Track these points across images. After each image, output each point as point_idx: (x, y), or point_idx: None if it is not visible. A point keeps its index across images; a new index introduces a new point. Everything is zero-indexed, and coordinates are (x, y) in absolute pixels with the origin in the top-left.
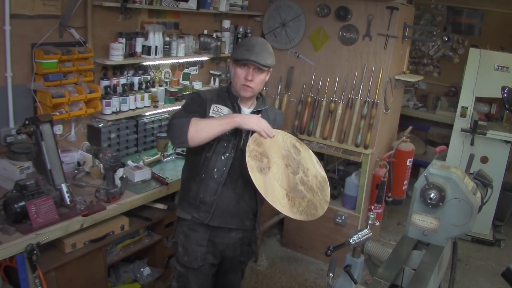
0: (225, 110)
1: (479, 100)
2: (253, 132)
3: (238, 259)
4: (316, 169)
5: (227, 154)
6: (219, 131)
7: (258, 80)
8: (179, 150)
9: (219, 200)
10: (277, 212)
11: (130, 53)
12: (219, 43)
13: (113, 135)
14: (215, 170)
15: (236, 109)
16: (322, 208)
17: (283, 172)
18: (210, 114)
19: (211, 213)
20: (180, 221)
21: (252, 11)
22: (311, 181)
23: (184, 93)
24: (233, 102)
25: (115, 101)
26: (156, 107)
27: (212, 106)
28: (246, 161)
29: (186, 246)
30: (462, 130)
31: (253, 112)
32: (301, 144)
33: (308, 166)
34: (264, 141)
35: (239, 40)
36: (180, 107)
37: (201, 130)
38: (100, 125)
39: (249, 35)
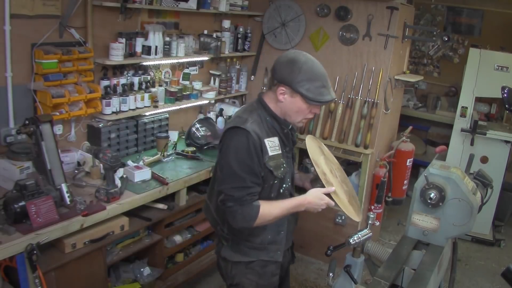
0: (276, 140)
1: (479, 100)
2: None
3: (288, 265)
4: (334, 161)
5: (285, 185)
6: (284, 217)
7: None
8: (179, 150)
9: (286, 233)
10: None
11: (130, 53)
12: (219, 43)
13: (113, 135)
14: None
15: (283, 138)
16: (356, 197)
17: (334, 180)
18: (269, 153)
19: (282, 250)
20: (242, 264)
21: (252, 11)
22: (341, 175)
23: (184, 93)
24: (283, 130)
25: (115, 101)
26: (156, 107)
27: (266, 142)
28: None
29: (261, 283)
30: (462, 130)
31: (291, 129)
32: (317, 140)
33: (330, 158)
34: (317, 160)
35: (239, 40)
36: (232, 159)
37: (267, 222)
38: (100, 125)
39: (249, 35)
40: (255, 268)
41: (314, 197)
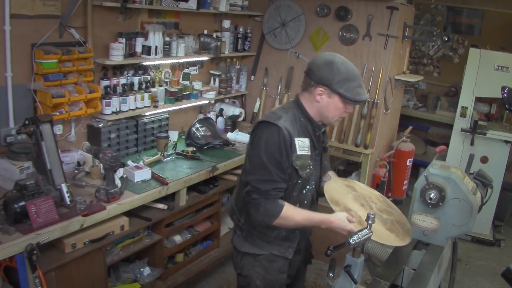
0: (306, 141)
1: (479, 100)
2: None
3: (303, 266)
4: (373, 193)
5: (308, 187)
6: (303, 227)
7: None
8: (179, 150)
9: (301, 232)
10: None
11: (130, 53)
12: (219, 43)
13: (113, 135)
14: (297, 205)
15: (314, 140)
16: (406, 220)
17: (365, 212)
18: (298, 152)
19: (294, 248)
20: (252, 255)
21: (252, 11)
22: (381, 205)
23: (184, 93)
24: (315, 133)
25: (115, 101)
26: (156, 107)
27: (296, 141)
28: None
29: (268, 278)
30: (462, 130)
31: (323, 133)
32: (347, 180)
33: (367, 194)
34: (338, 196)
35: (239, 40)
36: (262, 151)
37: (286, 224)
38: (100, 125)
39: (249, 35)
40: (262, 261)
41: (338, 220)
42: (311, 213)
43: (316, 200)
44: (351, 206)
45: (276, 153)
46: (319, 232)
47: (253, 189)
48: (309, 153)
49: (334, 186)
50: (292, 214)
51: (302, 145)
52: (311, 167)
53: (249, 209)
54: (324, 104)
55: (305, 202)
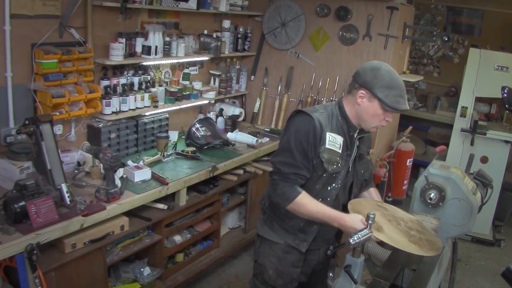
0: (338, 139)
1: (479, 100)
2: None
3: (325, 271)
4: (408, 216)
5: (333, 185)
6: (316, 220)
7: None
8: (179, 150)
9: (319, 229)
10: None
11: (130, 53)
12: (219, 43)
13: (113, 135)
14: (320, 200)
15: (348, 140)
16: (439, 242)
17: (390, 225)
18: (326, 145)
19: (309, 242)
20: (268, 243)
21: (252, 11)
22: (412, 225)
23: (184, 93)
24: (349, 132)
25: (115, 101)
26: (156, 107)
27: (328, 135)
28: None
29: (280, 269)
30: (462, 130)
31: (360, 138)
32: (381, 202)
33: (400, 215)
34: (362, 208)
35: (239, 40)
36: (291, 136)
37: (298, 212)
38: (100, 125)
39: (249, 35)
40: (277, 251)
41: (351, 221)
42: (326, 208)
43: (341, 206)
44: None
45: (303, 140)
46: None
47: (275, 170)
48: (339, 150)
49: (362, 202)
50: (307, 203)
51: (332, 140)
52: (339, 164)
53: (269, 188)
54: (364, 108)
55: (328, 199)
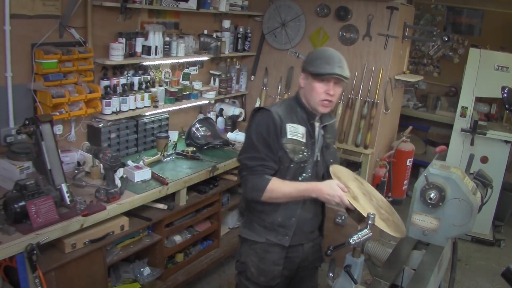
0: (300, 129)
1: (479, 100)
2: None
3: (312, 265)
4: (379, 196)
5: (304, 175)
6: (294, 199)
7: (338, 94)
8: (179, 150)
9: (298, 222)
10: None
11: (130, 53)
12: (219, 43)
13: (113, 135)
14: None
15: (310, 129)
16: (404, 226)
17: (365, 198)
18: (288, 136)
19: (290, 236)
20: (249, 243)
21: (252, 11)
22: (383, 204)
23: (184, 93)
24: (310, 120)
25: (115, 101)
26: (156, 107)
27: (288, 126)
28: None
29: (261, 267)
30: (462, 130)
31: (323, 127)
32: (359, 176)
33: (373, 193)
34: (341, 175)
35: (239, 40)
36: (253, 131)
37: (275, 198)
38: (100, 125)
39: (249, 35)
40: (257, 250)
41: (328, 187)
42: (299, 183)
43: None
44: (352, 187)
45: (264, 133)
46: None
47: (242, 167)
48: (303, 140)
49: (342, 170)
50: (279, 185)
51: (294, 130)
52: (304, 153)
53: (242, 185)
54: (306, 88)
55: None
